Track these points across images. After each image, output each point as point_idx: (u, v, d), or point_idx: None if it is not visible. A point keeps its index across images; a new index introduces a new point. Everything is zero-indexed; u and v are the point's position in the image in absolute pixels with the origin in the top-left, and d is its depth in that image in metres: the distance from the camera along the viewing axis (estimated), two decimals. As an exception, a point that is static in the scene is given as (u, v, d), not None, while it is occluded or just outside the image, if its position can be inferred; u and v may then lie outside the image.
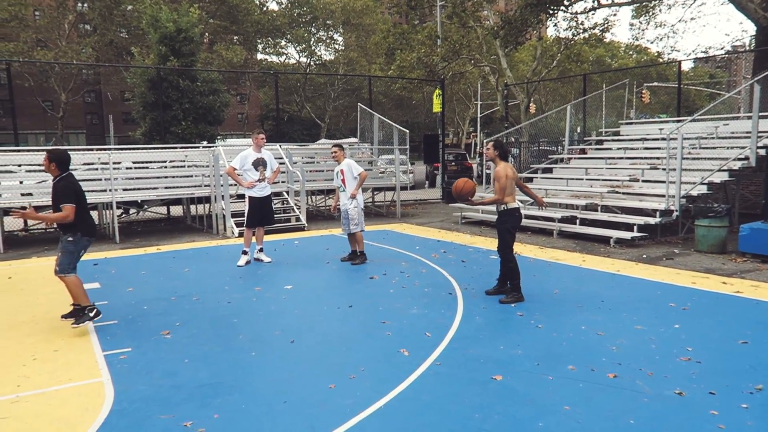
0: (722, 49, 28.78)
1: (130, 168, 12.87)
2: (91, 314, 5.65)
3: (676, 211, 9.97)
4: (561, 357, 4.69)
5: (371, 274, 7.85)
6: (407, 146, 15.57)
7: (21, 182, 11.53)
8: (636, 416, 3.64)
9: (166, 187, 12.50)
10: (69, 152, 5.96)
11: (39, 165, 11.80)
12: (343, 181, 8.65)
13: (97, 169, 12.03)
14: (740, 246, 8.59)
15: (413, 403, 3.91)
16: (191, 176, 13.09)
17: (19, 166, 11.77)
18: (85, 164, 12.31)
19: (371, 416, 3.71)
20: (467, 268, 8.28)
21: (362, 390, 4.11)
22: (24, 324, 5.88)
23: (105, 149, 12.75)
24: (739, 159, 10.60)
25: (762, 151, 10.44)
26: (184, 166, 13.56)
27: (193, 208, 14.03)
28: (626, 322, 5.56)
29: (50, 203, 5.87)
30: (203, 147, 14.96)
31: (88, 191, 11.49)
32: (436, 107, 20.07)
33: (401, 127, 15.48)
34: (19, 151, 12.24)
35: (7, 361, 4.84)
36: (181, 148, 14.55)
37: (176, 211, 14.90)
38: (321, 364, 4.66)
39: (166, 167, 13.62)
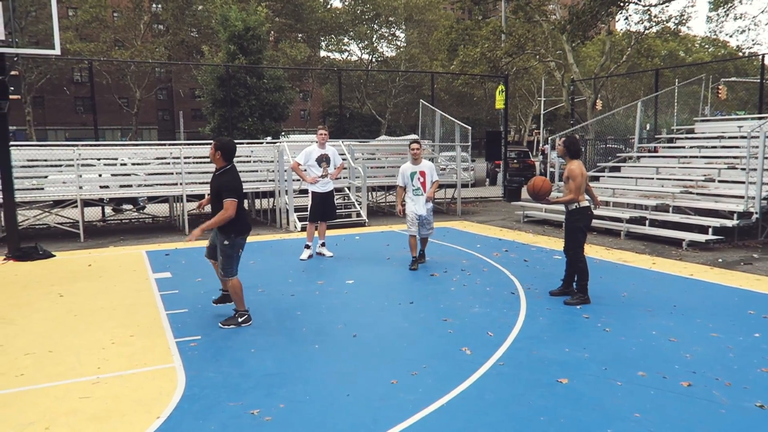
0: (810, 41, 26.93)
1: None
2: (241, 320, 5.54)
3: (756, 213, 9.44)
4: (630, 362, 4.53)
5: (432, 272, 7.83)
6: (469, 143, 15.42)
7: (100, 175, 12.16)
8: (712, 428, 3.48)
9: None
10: (233, 144, 5.82)
11: (113, 159, 12.43)
12: (423, 184, 8.04)
13: (168, 163, 12.55)
14: (828, 252, 8.04)
15: (476, 402, 3.87)
16: (256, 171, 13.45)
17: (99, 159, 12.41)
18: (157, 158, 12.87)
19: (434, 413, 3.70)
20: (530, 267, 8.13)
21: (424, 387, 4.11)
22: (102, 310, 6.20)
23: (176, 144, 13.26)
24: (828, 159, 9.89)
25: None
26: (249, 161, 13.94)
27: (257, 202, 14.39)
28: (701, 329, 5.31)
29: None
30: (267, 143, 15.33)
31: (160, 185, 12.05)
32: (499, 104, 19.76)
33: (463, 124, 15.34)
34: (98, 145, 12.91)
35: (88, 344, 5.12)
36: (247, 143, 14.95)
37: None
38: (383, 359, 4.69)
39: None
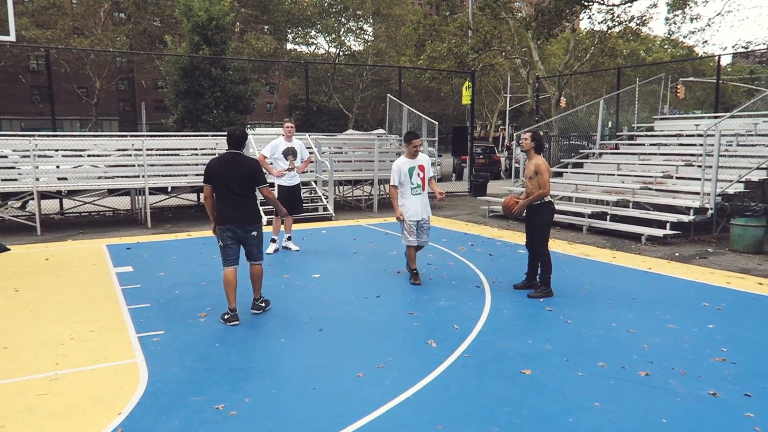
0: (763, 44, 27.93)
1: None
2: (264, 306, 5.79)
3: (711, 209, 9.76)
4: (591, 353, 4.64)
5: (398, 266, 7.86)
6: (436, 138, 15.51)
7: (57, 167, 11.80)
8: (668, 415, 3.60)
9: (196, 174, 12.67)
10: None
11: (74, 150, 12.08)
12: (423, 180, 6.90)
13: (130, 155, 12.26)
14: (778, 246, 8.38)
15: (442, 393, 3.92)
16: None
17: (56, 150, 12.05)
18: (119, 150, 12.56)
19: (400, 405, 3.73)
20: (495, 261, 8.24)
21: (391, 379, 4.13)
22: (61, 305, 6.04)
23: (138, 135, 12.97)
24: (779, 157, 10.30)
25: (803, 150, 10.13)
26: (214, 154, 13.72)
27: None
28: (658, 321, 5.48)
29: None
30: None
31: (122, 177, 11.78)
32: (466, 99, 19.91)
33: (430, 119, 15.41)
34: (56, 136, 12.52)
35: (46, 340, 4.98)
36: (212, 135, 14.71)
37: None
38: (350, 353, 4.70)
39: (197, 155, 13.81)
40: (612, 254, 8.79)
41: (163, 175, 12.28)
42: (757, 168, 10.21)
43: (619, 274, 7.49)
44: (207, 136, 14.73)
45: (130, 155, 12.27)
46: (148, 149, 12.16)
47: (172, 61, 19.87)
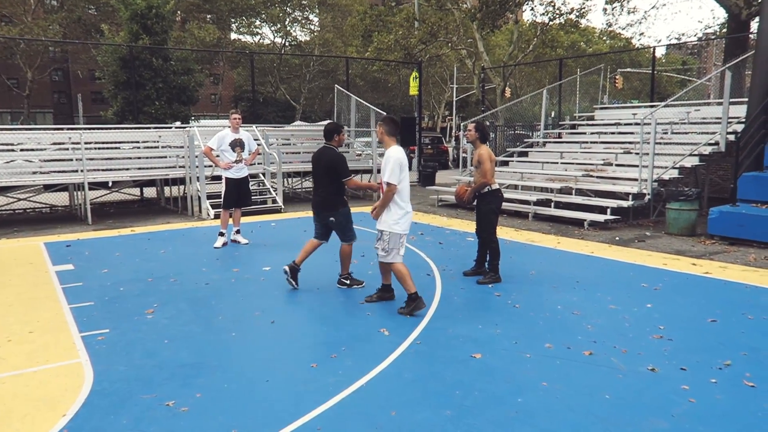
0: (695, 36, 29.20)
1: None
2: (348, 282, 6.37)
3: (648, 194, 10.19)
4: (538, 335, 4.79)
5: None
6: (384, 129, 15.51)
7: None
8: (611, 391, 3.76)
9: (139, 168, 12.30)
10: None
11: (5, 144, 11.49)
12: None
13: (67, 149, 11.76)
14: (709, 229, 8.83)
15: (395, 380, 3.96)
16: (165, 157, 12.90)
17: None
18: (54, 144, 12.02)
19: (355, 393, 3.75)
20: (444, 249, 8.36)
21: (344, 368, 4.15)
22: (-4, 306, 5.76)
23: (76, 128, 12.44)
24: (710, 144, 10.85)
25: (731, 137, 10.69)
26: (157, 147, 13.34)
27: (167, 189, 13.82)
28: (601, 302, 5.70)
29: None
30: (176, 127, 14.72)
31: (59, 171, 11.29)
32: (413, 90, 20.03)
33: (378, 110, 15.43)
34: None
35: (-20, 342, 4.75)
36: (155, 128, 14.28)
37: (150, 192, 14.66)
38: (302, 344, 4.69)
39: (139, 148, 13.38)
40: (557, 240, 9.07)
41: (103, 170, 11.85)
42: (690, 155, 10.72)
43: (564, 259, 7.74)
44: (149, 128, 14.29)
45: (67, 149, 11.77)
46: (86, 142, 11.70)
47: (110, 50, 19.16)
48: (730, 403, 3.59)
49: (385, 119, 5.52)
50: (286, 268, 6.31)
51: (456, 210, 12.61)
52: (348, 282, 6.38)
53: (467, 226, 10.32)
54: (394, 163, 5.30)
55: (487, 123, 20.98)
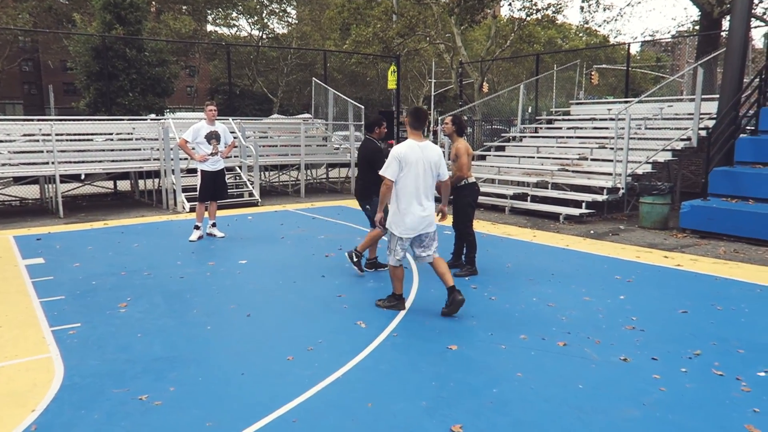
0: (668, 33, 29.67)
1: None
2: (355, 260, 6.56)
3: (622, 188, 10.34)
4: (514, 327, 4.83)
5: (327, 250, 7.84)
6: (362, 122, 15.48)
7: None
8: (584, 381, 3.81)
9: (112, 161, 12.09)
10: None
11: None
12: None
13: (38, 140, 11.50)
14: (681, 222, 9.00)
15: (372, 372, 3.96)
16: (139, 149, 12.70)
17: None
18: (25, 135, 11.75)
19: (331, 385, 3.75)
20: (422, 243, 8.37)
21: (321, 361, 4.13)
22: (-37, 300, 5.62)
23: (47, 120, 12.17)
24: (682, 140, 11.04)
25: (703, 132, 10.89)
26: (131, 139, 13.13)
27: (141, 182, 13.61)
28: (575, 294, 5.77)
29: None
30: (151, 119, 14.49)
31: (29, 164, 11.05)
32: (391, 84, 20.00)
33: (356, 103, 15.38)
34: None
35: (-54, 337, 4.63)
36: (129, 120, 14.03)
37: (124, 185, 14.43)
38: (278, 337, 4.66)
39: (112, 140, 13.16)
40: (533, 233, 9.15)
41: (75, 162, 11.62)
42: (663, 150, 10.89)
43: (540, 252, 7.82)
44: (123, 120, 14.03)
45: (38, 141, 11.51)
46: (57, 134, 11.45)
47: (82, 40, 18.74)
48: (700, 391, 3.67)
49: (409, 111, 5.22)
50: (368, 269, 6.74)
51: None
52: (372, 267, 6.77)
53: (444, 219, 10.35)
54: (392, 156, 4.98)
55: (465, 117, 21.07)
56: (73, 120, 12.73)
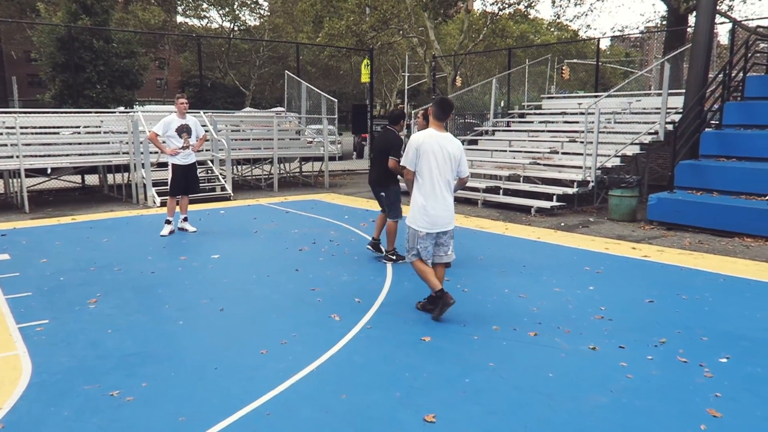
0: (637, 29, 30.18)
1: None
2: (394, 258, 6.83)
3: (592, 182, 10.52)
4: (486, 318, 4.90)
5: (301, 244, 7.82)
6: (335, 116, 15.45)
7: None
8: (554, 370, 3.89)
9: (80, 155, 11.84)
10: None
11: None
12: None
13: (1, 134, 11.19)
14: (648, 215, 9.20)
15: (346, 364, 3.99)
16: (108, 143, 12.45)
17: None
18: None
19: (305, 378, 3.76)
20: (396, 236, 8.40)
21: (295, 354, 4.14)
22: (-75, 298, 5.46)
23: (11, 112, 11.84)
24: (650, 133, 11.27)
25: (670, 126, 11.14)
26: (99, 132, 12.86)
27: (110, 176, 13.36)
28: (546, 285, 5.87)
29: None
30: (120, 112, 14.22)
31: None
32: (365, 77, 19.95)
33: (330, 97, 15.31)
34: None
35: None
36: (96, 112, 13.74)
37: (92, 180, 14.14)
38: (252, 331, 4.65)
39: (79, 133, 12.87)
40: (505, 226, 9.26)
41: (41, 156, 11.34)
42: (631, 143, 11.11)
43: (511, 244, 7.92)
44: (90, 113, 13.74)
45: (2, 134, 11.20)
46: (22, 127, 11.16)
47: (47, 31, 18.25)
48: (665, 377, 3.78)
49: (434, 101, 4.95)
50: (370, 247, 7.13)
51: (408, 197, 12.68)
52: (394, 257, 6.85)
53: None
54: (410, 145, 4.76)
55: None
56: (39, 113, 12.40)
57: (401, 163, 4.90)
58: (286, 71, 17.25)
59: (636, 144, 11.15)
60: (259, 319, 4.92)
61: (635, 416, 3.29)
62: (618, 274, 6.36)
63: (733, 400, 3.46)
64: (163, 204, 10.86)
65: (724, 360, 4.05)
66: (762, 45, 12.42)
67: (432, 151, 4.71)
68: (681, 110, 10.71)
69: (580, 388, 3.62)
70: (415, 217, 4.84)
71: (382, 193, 6.87)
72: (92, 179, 14.08)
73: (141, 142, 11.16)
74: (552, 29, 51.20)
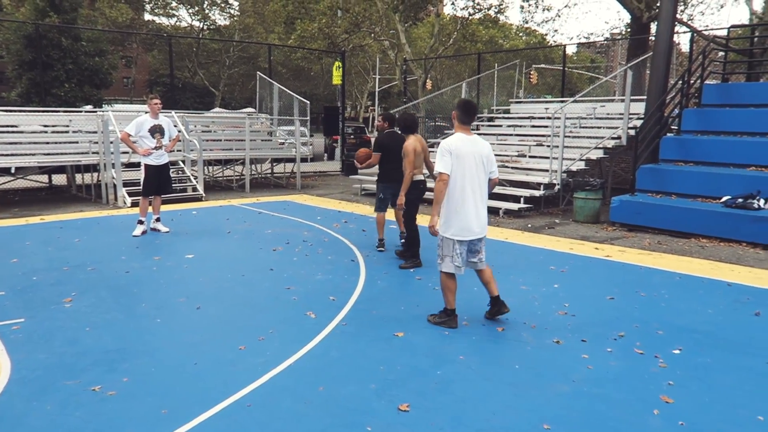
0: (602, 35, 30.98)
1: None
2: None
3: (558, 184, 10.87)
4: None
5: (274, 244, 7.92)
6: (308, 118, 15.54)
7: None
8: (521, 362, 4.11)
9: (46, 154, 11.68)
10: None
11: None
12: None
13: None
14: (611, 216, 9.57)
15: (323, 359, 4.14)
16: (77, 142, 12.32)
17: None
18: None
19: (283, 372, 3.90)
20: (368, 236, 8.58)
21: (272, 350, 4.27)
22: None
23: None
24: (613, 138, 11.70)
25: (632, 132, 11.57)
26: (68, 132, 12.70)
27: (79, 176, 13.21)
28: (513, 284, 6.11)
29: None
30: (87, 111, 14.05)
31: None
32: (336, 79, 20.07)
33: (302, 98, 15.40)
34: None
35: None
36: (65, 111, 13.55)
37: (60, 179, 13.94)
38: (229, 328, 4.75)
39: (46, 132, 12.69)
40: (474, 227, 9.50)
41: (6, 155, 11.17)
42: (596, 148, 11.51)
43: (481, 245, 8.14)
44: (58, 112, 13.55)
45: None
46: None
47: (14, 27, 17.88)
48: (622, 368, 4.03)
49: (458, 104, 4.85)
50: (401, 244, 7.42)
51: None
52: (381, 248, 7.59)
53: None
54: (443, 149, 4.59)
55: (413, 113, 21.38)
56: (4, 111, 12.18)
57: (436, 169, 4.63)
58: (258, 72, 17.27)
59: (600, 148, 11.56)
60: (236, 317, 5.03)
61: (595, 403, 3.52)
62: (581, 273, 6.65)
63: (684, 388, 3.73)
64: (134, 204, 10.82)
65: (677, 351, 4.33)
66: (719, 54, 12.98)
67: (465, 156, 4.60)
68: (643, 116, 11.14)
69: (544, 378, 3.85)
70: (450, 225, 4.68)
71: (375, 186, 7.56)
72: (60, 179, 13.88)
73: (111, 142, 11.09)
74: (520, 34, 52.13)
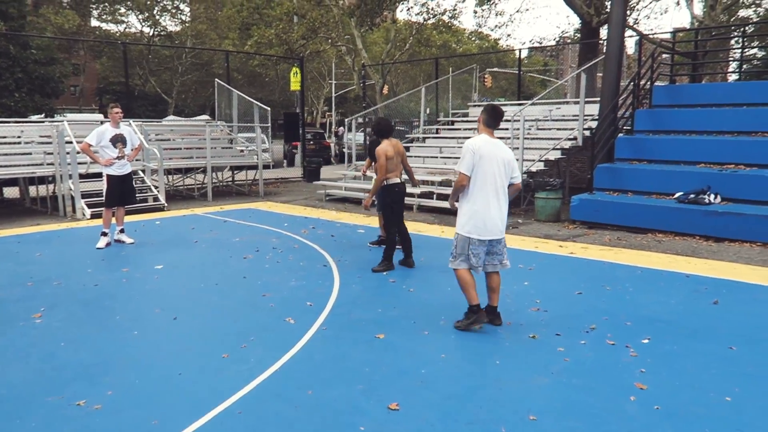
0: (553, 40, 31.87)
1: None
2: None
3: (520, 185, 11.13)
4: (433, 315, 5.22)
5: (244, 252, 7.88)
6: (269, 124, 15.47)
7: None
8: (500, 357, 4.25)
9: (-1, 167, 11.28)
10: None
11: None
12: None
13: None
14: (571, 215, 9.90)
15: (308, 363, 4.18)
16: (29, 153, 11.93)
17: None
18: None
19: (271, 376, 3.92)
20: (337, 241, 8.63)
21: (256, 356, 4.28)
22: None
23: None
24: (569, 139, 12.08)
25: (587, 133, 11.99)
26: (19, 143, 12.30)
27: (33, 189, 12.78)
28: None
29: None
30: (36, 121, 13.61)
31: None
32: (295, 85, 20.01)
33: (262, 105, 15.32)
34: None
35: None
36: (15, 122, 13.11)
37: (12, 192, 13.45)
38: (210, 337, 4.74)
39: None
40: (441, 229, 9.69)
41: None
42: (553, 149, 11.87)
43: (449, 246, 8.20)
44: (8, 122, 13.09)
45: None
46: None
47: (-45, 35, 17.18)
48: (597, 358, 4.22)
49: (485, 108, 4.94)
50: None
51: (344, 204, 12.93)
52: (377, 243, 8.18)
53: (356, 219, 10.68)
54: (467, 150, 4.66)
55: (367, 119, 21.50)
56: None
57: (456, 169, 4.67)
58: (216, 79, 17.08)
59: (557, 149, 11.92)
60: (215, 326, 5.01)
61: (574, 393, 3.68)
62: (549, 270, 6.88)
63: (656, 374, 3.94)
64: (94, 216, 10.55)
65: (646, 341, 4.55)
66: (665, 56, 13.57)
67: (488, 157, 4.65)
68: (597, 117, 11.56)
69: (524, 372, 3.99)
70: (467, 223, 4.72)
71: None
72: (12, 192, 13.40)
73: (68, 153, 10.79)
74: (473, 38, 53.00)
